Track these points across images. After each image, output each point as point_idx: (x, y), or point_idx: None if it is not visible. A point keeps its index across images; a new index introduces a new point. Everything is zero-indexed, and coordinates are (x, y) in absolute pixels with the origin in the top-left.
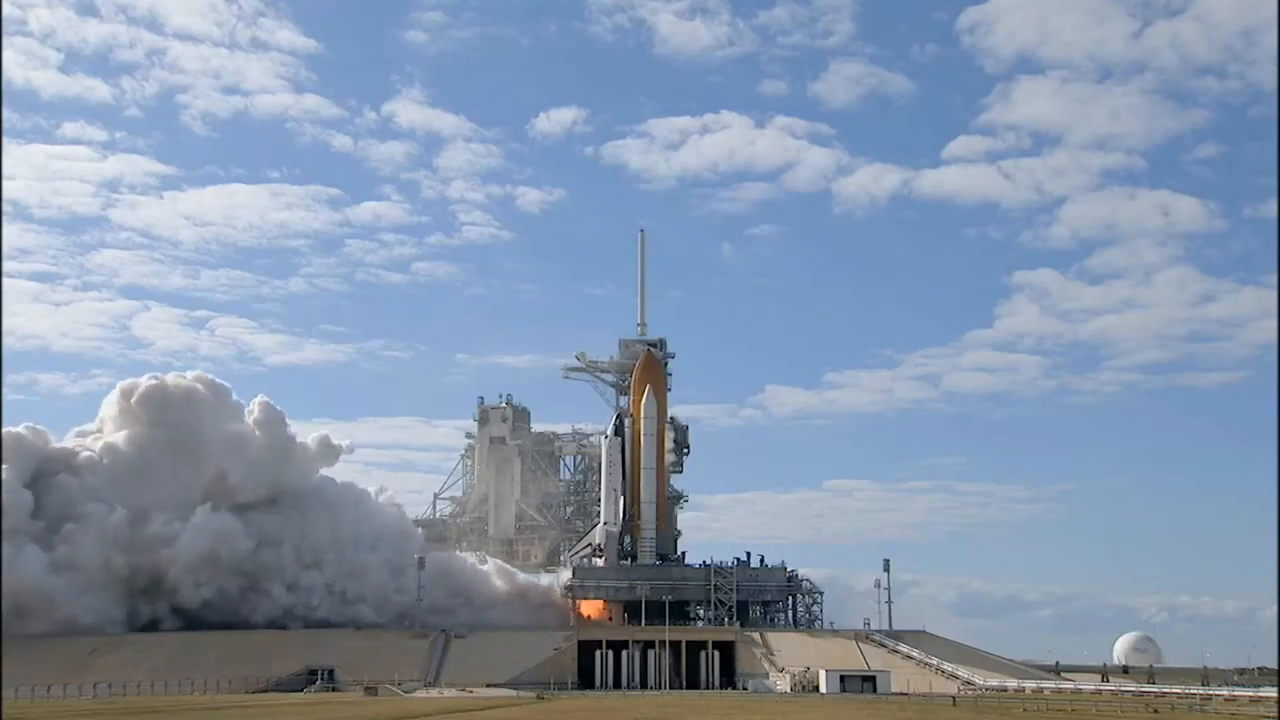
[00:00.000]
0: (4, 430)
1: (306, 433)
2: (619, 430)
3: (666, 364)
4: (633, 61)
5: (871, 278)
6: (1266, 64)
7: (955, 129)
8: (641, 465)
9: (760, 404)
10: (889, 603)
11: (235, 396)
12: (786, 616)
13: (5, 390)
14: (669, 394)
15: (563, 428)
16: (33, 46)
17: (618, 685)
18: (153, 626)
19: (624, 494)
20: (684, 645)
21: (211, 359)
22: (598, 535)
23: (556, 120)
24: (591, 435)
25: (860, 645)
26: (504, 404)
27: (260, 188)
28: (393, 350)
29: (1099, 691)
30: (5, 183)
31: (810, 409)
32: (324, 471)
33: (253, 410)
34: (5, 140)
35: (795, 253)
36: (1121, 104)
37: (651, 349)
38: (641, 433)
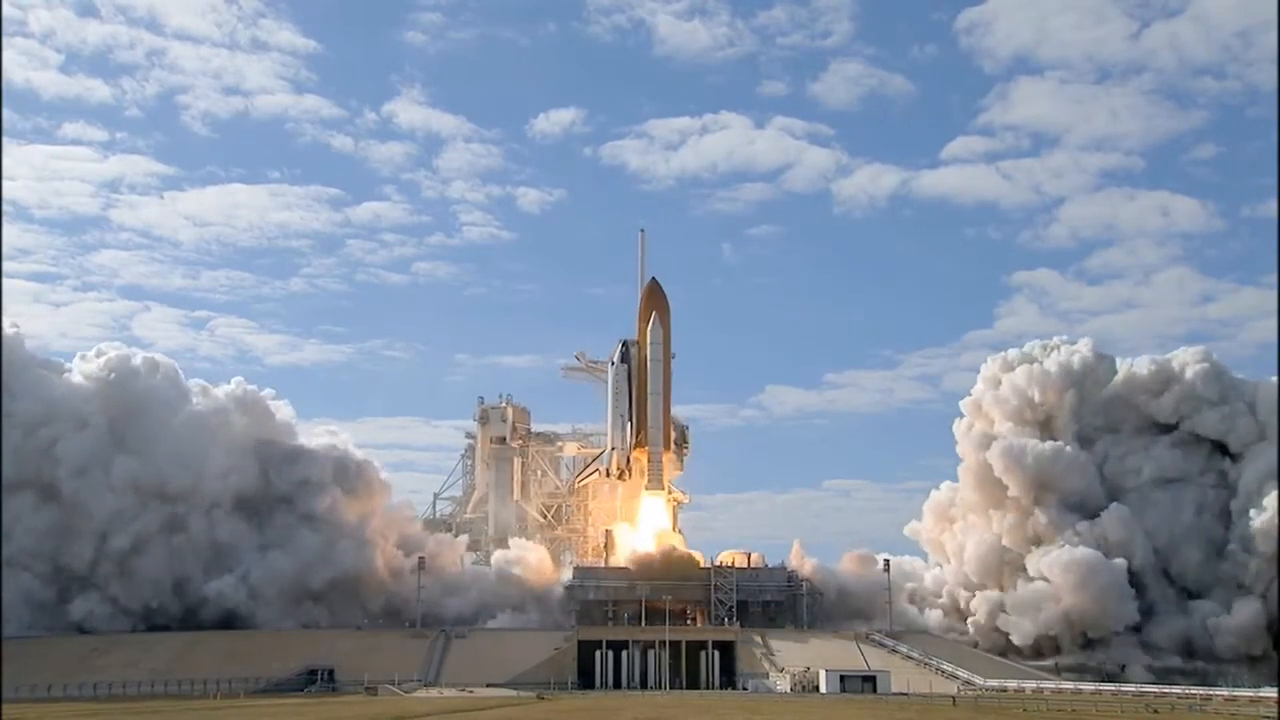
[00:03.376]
0: (3, 430)
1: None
2: (625, 358)
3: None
4: (632, 62)
5: (871, 278)
6: (1265, 64)
7: (954, 129)
8: (648, 391)
9: (760, 404)
10: (889, 603)
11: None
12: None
13: None
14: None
15: (563, 428)
16: (33, 47)
17: (618, 685)
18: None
19: (630, 420)
20: (684, 645)
21: (211, 359)
22: (605, 459)
23: (556, 120)
24: (592, 435)
25: (860, 645)
26: (504, 404)
27: (260, 188)
28: (393, 350)
29: (1099, 691)
30: (5, 183)
31: (810, 409)
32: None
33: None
34: (5, 141)
35: (795, 253)
36: (1120, 104)
37: (655, 279)
38: (648, 359)
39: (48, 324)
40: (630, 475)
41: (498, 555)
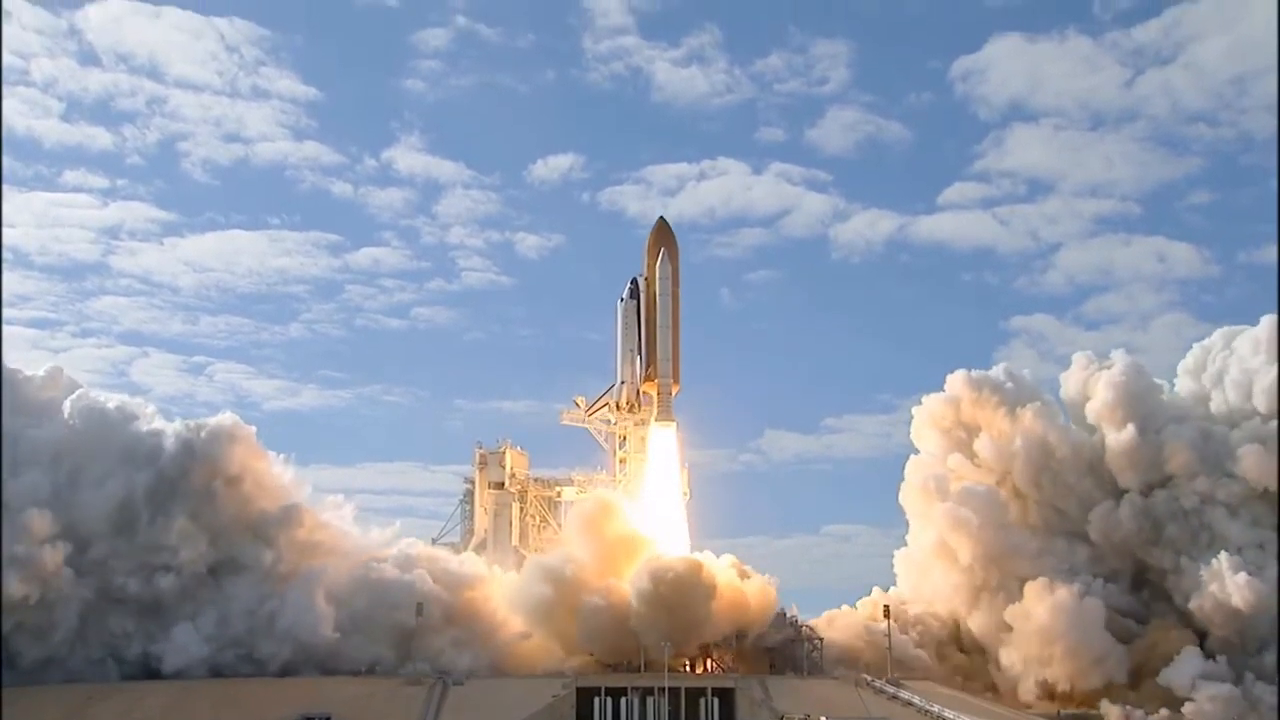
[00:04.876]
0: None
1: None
2: (634, 294)
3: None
4: (630, 109)
5: (869, 323)
6: (1258, 112)
7: (950, 176)
8: (658, 324)
9: (759, 449)
10: (889, 649)
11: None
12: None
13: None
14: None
15: (562, 473)
16: (35, 96)
17: None
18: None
19: (640, 353)
20: (683, 692)
21: (209, 405)
22: (615, 393)
23: (554, 167)
24: (592, 480)
25: (861, 693)
26: (502, 449)
27: (260, 234)
28: (392, 395)
29: None
30: (6, 230)
31: (809, 454)
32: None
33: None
34: (6, 188)
35: (793, 298)
36: (1114, 151)
37: (664, 218)
38: (657, 293)
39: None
40: (639, 407)
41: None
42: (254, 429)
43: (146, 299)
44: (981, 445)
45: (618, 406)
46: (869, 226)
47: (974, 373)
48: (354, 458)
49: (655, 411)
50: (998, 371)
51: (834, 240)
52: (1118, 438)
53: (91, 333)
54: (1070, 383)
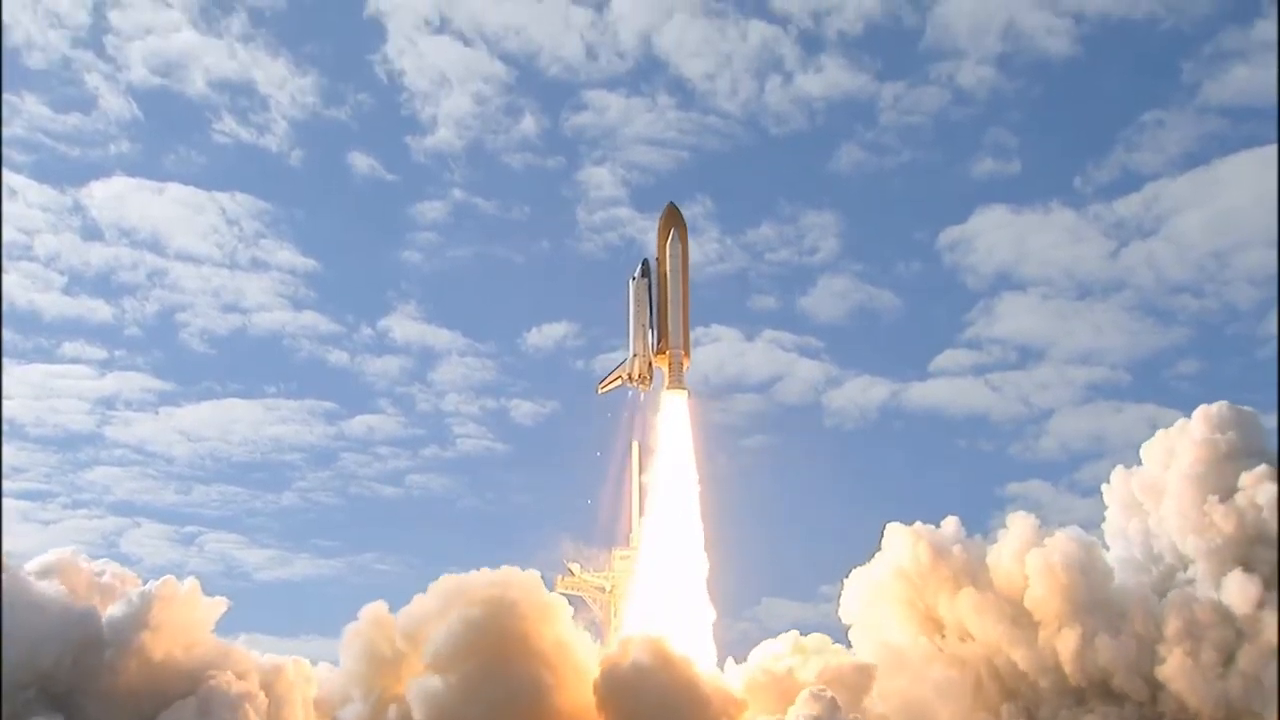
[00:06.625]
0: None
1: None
2: (645, 273)
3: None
4: (623, 277)
5: (864, 489)
6: (1240, 284)
7: (941, 343)
8: (669, 301)
9: (756, 616)
10: None
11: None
12: None
13: None
14: None
15: None
16: (37, 270)
17: None
18: None
19: (652, 328)
20: None
21: (198, 574)
22: (628, 366)
23: (548, 334)
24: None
25: None
26: None
27: (256, 403)
28: (384, 564)
29: None
30: (5, 402)
31: (807, 621)
32: None
33: None
34: (6, 361)
35: (788, 464)
36: (1103, 320)
37: (673, 203)
38: (668, 271)
39: (35, 543)
40: (650, 381)
41: None
42: (224, 603)
43: (140, 469)
44: (945, 642)
45: (630, 379)
46: (861, 393)
47: (916, 525)
48: (343, 628)
49: (666, 380)
50: (946, 529)
51: (827, 407)
52: (1060, 638)
53: (83, 504)
54: (999, 557)
